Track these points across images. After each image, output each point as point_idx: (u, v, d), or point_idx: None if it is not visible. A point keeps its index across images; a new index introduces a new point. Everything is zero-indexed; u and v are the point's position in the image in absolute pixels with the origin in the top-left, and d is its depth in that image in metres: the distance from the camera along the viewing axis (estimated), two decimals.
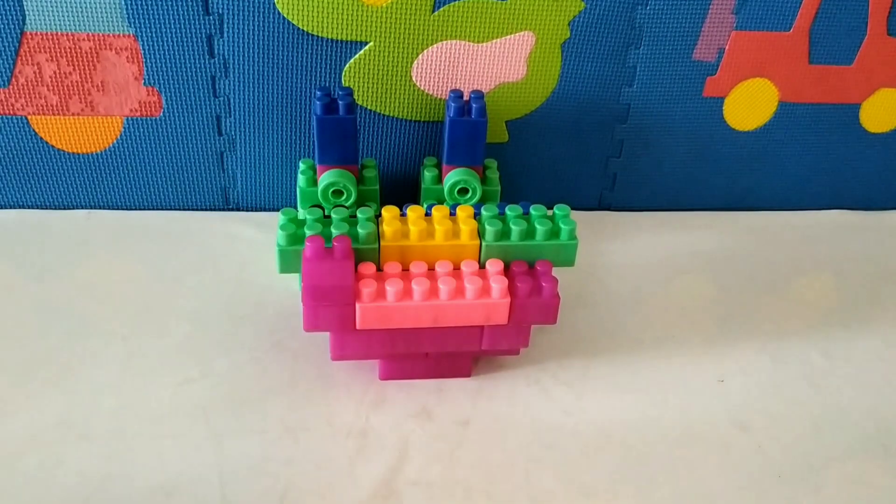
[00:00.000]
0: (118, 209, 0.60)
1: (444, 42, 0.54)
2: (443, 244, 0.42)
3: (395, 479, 0.39)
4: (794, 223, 0.65)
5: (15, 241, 0.55)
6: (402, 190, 0.60)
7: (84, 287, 0.51)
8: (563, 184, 0.63)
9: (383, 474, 0.40)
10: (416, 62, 0.55)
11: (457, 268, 0.42)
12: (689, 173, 0.63)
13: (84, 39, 0.51)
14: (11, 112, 0.54)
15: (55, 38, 0.51)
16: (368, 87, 0.55)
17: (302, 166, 0.52)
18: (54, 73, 0.53)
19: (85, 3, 0.50)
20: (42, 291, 0.51)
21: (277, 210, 0.59)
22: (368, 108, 0.56)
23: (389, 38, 0.53)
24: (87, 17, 0.51)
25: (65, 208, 0.59)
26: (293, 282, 0.52)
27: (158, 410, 0.42)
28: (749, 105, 0.60)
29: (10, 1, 0.50)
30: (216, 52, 0.53)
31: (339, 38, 0.53)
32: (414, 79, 0.55)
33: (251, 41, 0.53)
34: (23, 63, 0.52)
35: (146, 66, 0.53)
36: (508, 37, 0.54)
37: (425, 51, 0.54)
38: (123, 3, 0.51)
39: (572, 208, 0.47)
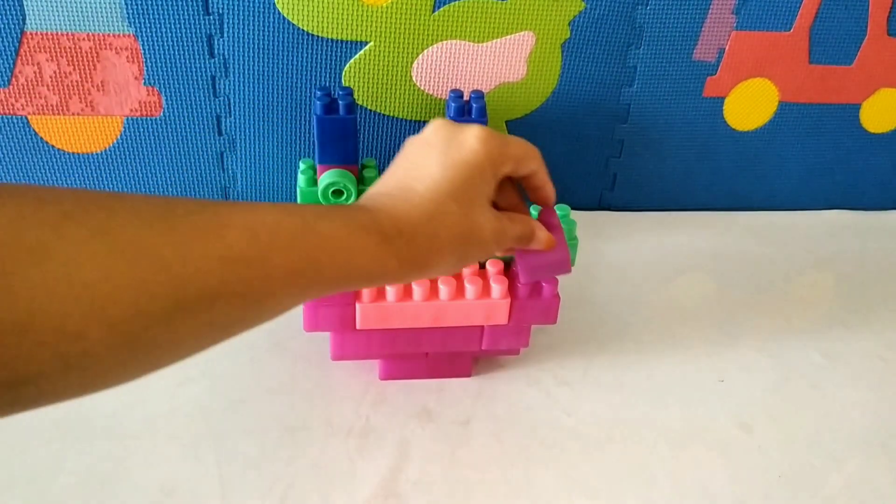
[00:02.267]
0: None
1: (444, 42, 0.54)
2: None
3: (396, 479, 0.39)
4: (794, 223, 0.65)
5: None
6: None
7: None
8: (563, 184, 0.62)
9: (383, 474, 0.40)
10: (416, 62, 0.55)
11: None
12: (689, 173, 0.63)
13: (84, 39, 0.51)
14: (11, 112, 0.54)
15: (55, 38, 0.51)
16: (368, 87, 0.55)
17: (302, 166, 0.52)
18: (54, 73, 0.53)
19: (85, 3, 0.50)
20: None
21: None
22: (368, 108, 0.56)
23: (389, 38, 0.53)
24: (87, 17, 0.51)
25: None
26: None
27: (158, 410, 0.42)
28: (749, 105, 0.60)
29: (10, 1, 0.50)
30: (216, 52, 0.53)
31: (339, 38, 0.53)
32: (414, 79, 0.55)
33: (251, 41, 0.53)
34: (23, 63, 0.52)
35: (146, 66, 0.53)
36: (508, 37, 0.54)
37: (425, 51, 0.54)
38: (123, 3, 0.51)
39: (572, 208, 0.47)
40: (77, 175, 0.58)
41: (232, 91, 0.55)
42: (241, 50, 0.53)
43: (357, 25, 0.52)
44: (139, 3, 0.51)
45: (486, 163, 0.33)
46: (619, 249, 0.59)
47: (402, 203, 0.31)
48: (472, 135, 0.33)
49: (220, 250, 0.24)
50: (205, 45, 0.53)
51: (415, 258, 0.30)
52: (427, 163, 0.32)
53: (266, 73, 0.54)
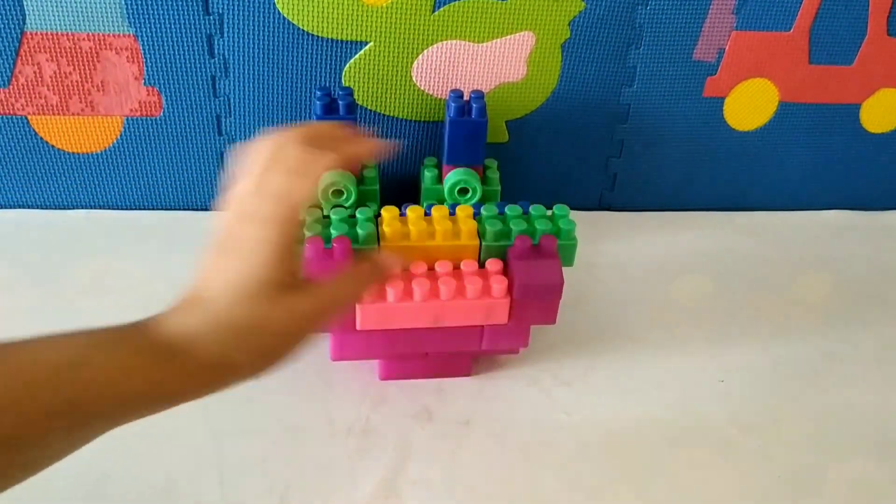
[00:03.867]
0: (118, 209, 0.60)
1: (444, 42, 0.54)
2: (442, 244, 0.42)
3: (396, 479, 0.39)
4: (794, 223, 0.65)
5: (15, 241, 0.55)
6: (402, 190, 0.60)
7: (84, 287, 0.51)
8: (563, 184, 0.63)
9: (383, 474, 0.40)
10: (416, 62, 0.55)
11: (457, 267, 0.42)
12: (689, 173, 0.63)
13: (84, 39, 0.51)
14: (11, 112, 0.54)
15: (55, 38, 0.51)
16: (368, 87, 0.55)
17: None
18: (54, 73, 0.53)
19: (85, 3, 0.50)
20: (42, 291, 0.51)
21: None
22: (368, 108, 0.56)
23: (389, 38, 0.53)
24: (87, 17, 0.51)
25: (65, 208, 0.59)
26: None
27: None
28: (749, 105, 0.60)
29: (10, 1, 0.50)
30: (216, 52, 0.53)
31: (339, 38, 0.53)
32: (414, 79, 0.55)
33: (251, 41, 0.53)
34: (23, 63, 0.52)
35: (146, 66, 0.53)
36: (508, 37, 0.54)
37: (425, 51, 0.54)
38: (123, 3, 0.51)
39: (572, 208, 0.47)
40: (77, 175, 0.58)
41: (232, 91, 0.55)
42: (241, 50, 0.53)
43: (357, 25, 0.52)
44: (139, 3, 0.51)
45: (269, 249, 0.31)
46: (619, 249, 0.59)
47: (188, 315, 0.30)
48: (252, 236, 0.31)
49: None
50: (205, 45, 0.53)
51: (201, 374, 0.30)
52: (215, 268, 0.32)
53: (266, 73, 0.54)
